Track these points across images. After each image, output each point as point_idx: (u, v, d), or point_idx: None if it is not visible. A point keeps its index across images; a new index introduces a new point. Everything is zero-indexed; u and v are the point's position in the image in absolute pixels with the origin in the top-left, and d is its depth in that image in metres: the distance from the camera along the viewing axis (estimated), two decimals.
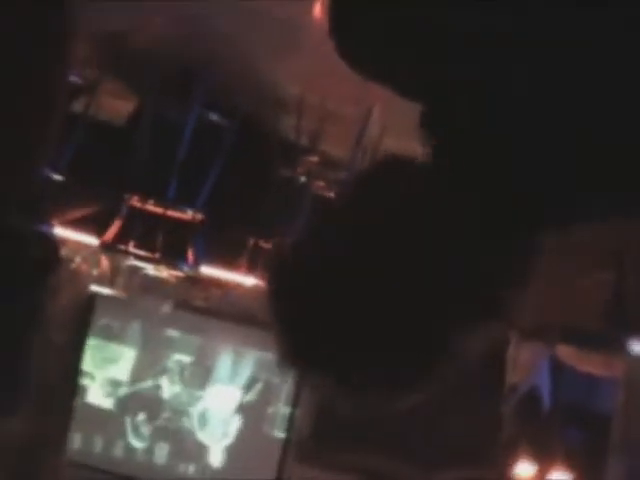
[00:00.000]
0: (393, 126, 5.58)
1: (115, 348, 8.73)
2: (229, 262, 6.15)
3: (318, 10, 4.53)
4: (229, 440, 8.73)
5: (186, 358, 8.80)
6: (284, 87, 5.55)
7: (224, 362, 8.88)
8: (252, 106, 5.52)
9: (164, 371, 8.78)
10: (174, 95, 5.27)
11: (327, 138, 5.91)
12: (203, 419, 8.84)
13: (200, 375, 8.82)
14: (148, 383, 8.78)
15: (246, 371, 8.92)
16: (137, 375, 8.78)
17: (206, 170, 5.27)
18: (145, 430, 8.77)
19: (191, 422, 8.83)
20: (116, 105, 5.89)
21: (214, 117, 5.33)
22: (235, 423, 8.80)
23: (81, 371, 8.49)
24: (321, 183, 6.04)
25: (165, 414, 8.80)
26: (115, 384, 8.75)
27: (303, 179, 5.96)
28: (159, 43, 5.13)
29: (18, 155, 3.81)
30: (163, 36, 5.10)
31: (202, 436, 8.78)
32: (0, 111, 3.62)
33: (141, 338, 8.78)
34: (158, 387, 8.80)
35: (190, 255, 5.36)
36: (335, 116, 5.65)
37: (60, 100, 4.58)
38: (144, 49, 5.20)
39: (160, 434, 8.76)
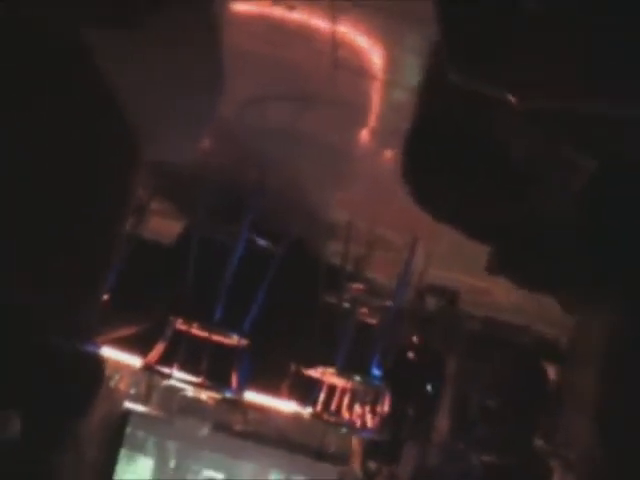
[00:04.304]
0: (437, 257, 5.55)
1: (142, 461, 8.63)
2: (270, 387, 6.08)
3: (366, 138, 4.54)
4: None
5: (217, 476, 8.68)
6: (333, 213, 5.55)
7: None
8: (300, 231, 5.52)
9: None
10: (223, 219, 5.29)
11: (372, 264, 5.89)
12: None
13: None
14: None
15: None
16: None
17: (252, 295, 5.25)
18: None
19: None
20: (164, 225, 5.91)
21: (262, 242, 5.33)
22: None
23: None
24: (365, 310, 6.00)
25: None
26: None
27: (347, 305, 5.91)
28: (209, 167, 5.17)
29: (83, 284, 3.81)
30: (213, 161, 5.13)
31: None
32: (70, 242, 3.64)
33: (173, 455, 8.68)
34: None
35: (234, 380, 5.31)
36: (381, 242, 5.64)
37: (122, 228, 4.59)
38: (194, 172, 5.23)
39: None
